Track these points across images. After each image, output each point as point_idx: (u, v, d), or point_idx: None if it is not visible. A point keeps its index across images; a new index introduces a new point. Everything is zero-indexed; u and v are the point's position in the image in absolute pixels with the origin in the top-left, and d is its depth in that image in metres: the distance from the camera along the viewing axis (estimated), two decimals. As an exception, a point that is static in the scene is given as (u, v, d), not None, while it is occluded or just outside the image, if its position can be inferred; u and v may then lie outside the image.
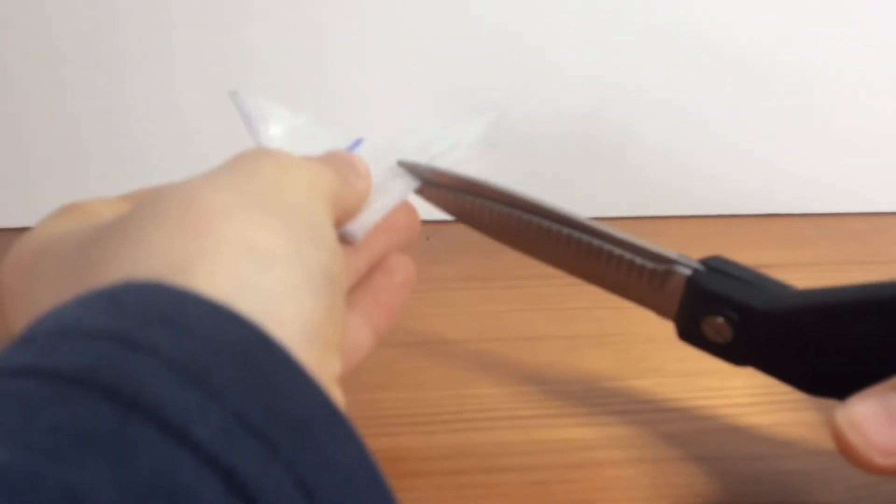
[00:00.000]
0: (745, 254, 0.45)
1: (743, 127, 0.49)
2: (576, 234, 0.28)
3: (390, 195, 0.28)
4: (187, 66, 0.45)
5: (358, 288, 0.27)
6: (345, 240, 0.26)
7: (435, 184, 0.30)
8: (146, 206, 0.18)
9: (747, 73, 0.47)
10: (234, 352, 0.14)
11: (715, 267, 0.28)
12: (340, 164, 0.25)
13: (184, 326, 0.14)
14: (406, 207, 0.29)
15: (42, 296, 0.18)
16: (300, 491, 0.13)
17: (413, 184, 0.30)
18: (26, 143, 0.46)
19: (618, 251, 0.28)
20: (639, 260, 0.28)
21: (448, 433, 0.30)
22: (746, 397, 0.32)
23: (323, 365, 0.17)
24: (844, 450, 0.23)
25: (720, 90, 0.48)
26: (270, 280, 0.16)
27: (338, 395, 0.18)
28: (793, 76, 0.48)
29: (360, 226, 0.26)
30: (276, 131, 0.28)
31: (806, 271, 0.44)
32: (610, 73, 0.47)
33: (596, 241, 0.28)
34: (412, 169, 0.30)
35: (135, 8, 0.44)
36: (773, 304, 0.26)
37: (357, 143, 0.29)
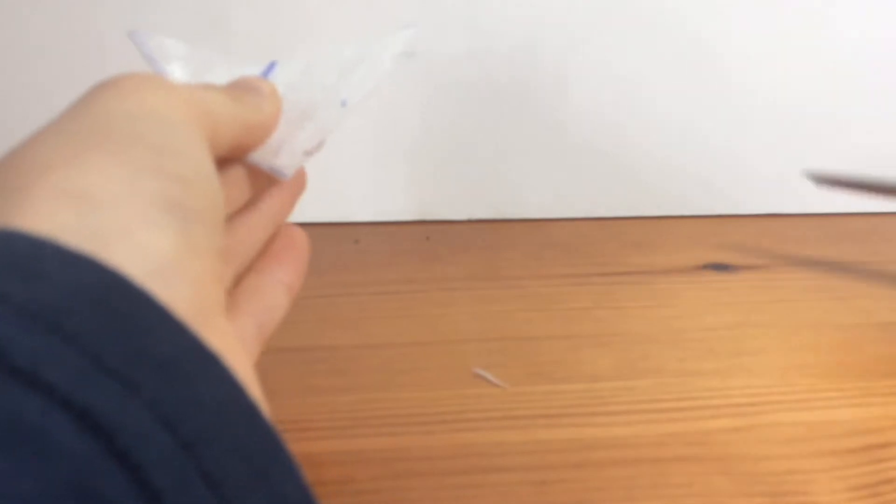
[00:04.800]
0: (746, 254, 0.45)
1: (742, 127, 0.49)
2: None
3: (316, 125, 0.26)
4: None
5: (261, 253, 0.27)
6: (265, 175, 0.25)
7: None
8: None
9: (748, 72, 0.47)
10: (90, 296, 0.13)
11: None
12: (238, 85, 0.24)
13: (37, 273, 0.13)
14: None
15: None
16: (164, 428, 0.13)
17: (341, 112, 0.28)
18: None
19: None
20: None
21: (448, 433, 0.30)
22: (746, 397, 0.32)
23: (196, 299, 0.16)
24: None
25: (720, 90, 0.48)
26: (95, 222, 0.15)
27: (223, 328, 0.17)
28: (793, 76, 0.48)
29: (288, 162, 0.25)
30: (179, 70, 0.26)
31: (806, 271, 0.44)
32: (617, 72, 0.47)
33: None
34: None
35: (126, 5, 0.44)
36: None
37: (271, 66, 0.27)
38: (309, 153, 0.26)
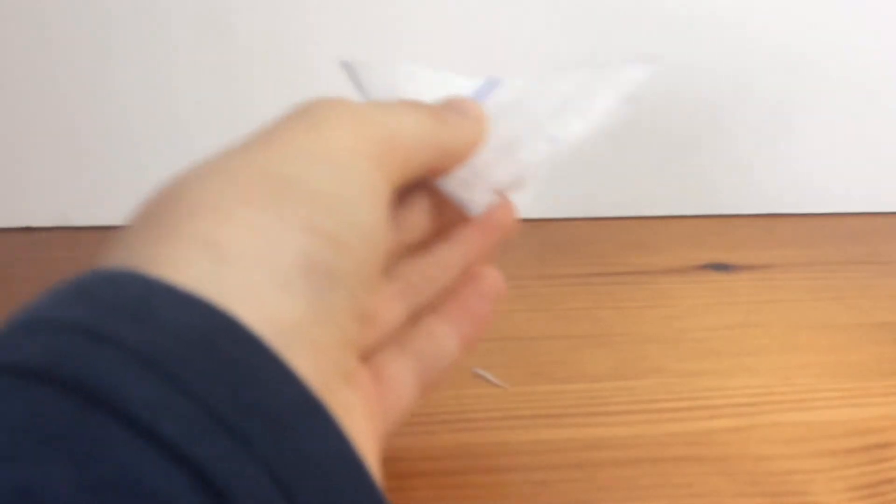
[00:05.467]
0: (746, 254, 0.45)
1: (742, 126, 0.49)
2: None
3: (516, 160, 0.23)
4: (186, 64, 0.45)
5: (444, 294, 0.25)
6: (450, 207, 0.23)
7: None
8: (150, 198, 0.17)
9: (749, 71, 0.47)
10: (203, 342, 0.13)
11: None
12: (445, 104, 0.22)
13: (151, 316, 0.13)
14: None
15: None
16: (275, 485, 0.12)
17: (547, 149, 0.23)
18: (25, 144, 0.46)
19: None
20: None
21: (448, 433, 0.30)
22: (746, 397, 0.32)
23: (315, 369, 0.15)
24: None
25: (719, 90, 0.48)
26: (225, 279, 0.15)
27: (343, 398, 0.17)
28: (794, 76, 0.48)
29: (478, 197, 0.22)
30: (389, 96, 0.24)
31: (806, 271, 0.44)
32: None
33: None
34: None
35: (131, 5, 0.44)
36: None
37: (490, 84, 0.24)
38: (503, 190, 0.24)
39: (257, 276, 0.15)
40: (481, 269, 0.25)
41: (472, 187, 0.23)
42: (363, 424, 0.17)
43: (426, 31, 0.45)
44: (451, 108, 0.23)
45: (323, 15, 0.45)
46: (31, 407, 0.12)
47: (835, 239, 0.48)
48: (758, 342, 0.36)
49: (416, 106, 0.21)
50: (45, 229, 0.48)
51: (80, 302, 0.14)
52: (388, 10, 0.45)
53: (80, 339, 0.13)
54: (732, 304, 0.40)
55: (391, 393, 0.22)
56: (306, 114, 0.19)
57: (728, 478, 0.27)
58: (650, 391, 0.32)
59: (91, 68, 0.45)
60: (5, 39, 0.44)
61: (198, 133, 0.45)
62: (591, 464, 0.28)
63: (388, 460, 0.29)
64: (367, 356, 0.23)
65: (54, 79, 0.45)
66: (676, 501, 0.26)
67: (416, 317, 0.24)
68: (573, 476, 0.27)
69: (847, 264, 0.45)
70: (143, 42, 0.45)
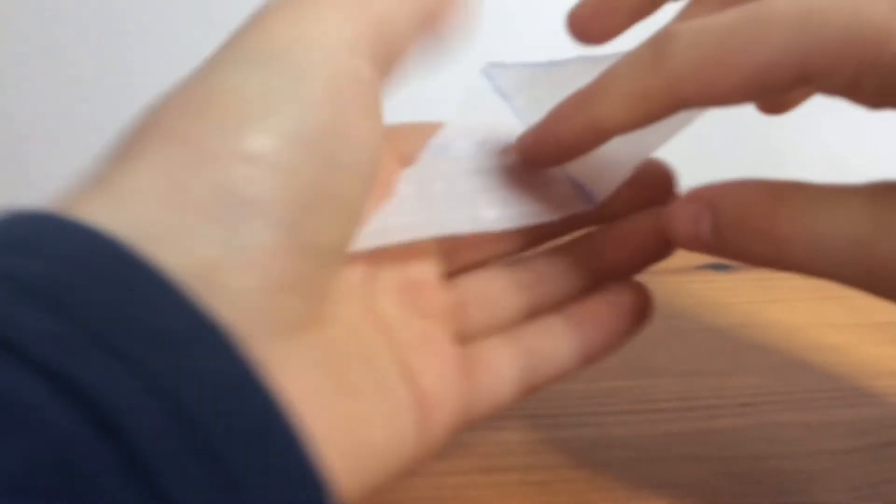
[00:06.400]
0: (745, 254, 0.45)
1: (741, 125, 0.49)
2: None
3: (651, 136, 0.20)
4: (191, 65, 0.45)
5: (574, 301, 0.23)
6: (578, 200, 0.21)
7: None
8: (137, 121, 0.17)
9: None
10: (88, 268, 0.13)
11: None
12: None
13: (35, 248, 0.13)
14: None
15: None
16: (159, 401, 0.12)
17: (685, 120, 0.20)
18: (25, 143, 0.46)
19: None
20: None
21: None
22: (746, 397, 0.32)
23: (234, 315, 0.14)
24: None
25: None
26: (132, 221, 0.14)
27: (286, 349, 0.15)
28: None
29: (598, 180, 0.20)
30: (524, 101, 0.23)
31: (806, 271, 0.44)
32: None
33: None
34: None
35: (135, 5, 0.44)
36: None
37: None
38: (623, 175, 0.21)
39: (166, 216, 0.15)
40: (624, 280, 0.23)
41: (596, 171, 0.20)
42: (313, 380, 0.16)
43: None
44: None
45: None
46: None
47: (834, 239, 0.48)
48: (758, 342, 0.36)
49: None
50: (44, 229, 0.48)
51: None
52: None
53: None
54: (732, 304, 0.40)
55: (484, 383, 0.21)
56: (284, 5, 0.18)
57: (728, 478, 0.27)
58: (650, 391, 0.32)
59: (92, 68, 0.45)
60: (6, 39, 0.44)
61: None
62: (591, 464, 0.28)
63: (388, 460, 0.29)
64: (468, 340, 0.22)
65: (55, 78, 0.45)
66: (676, 501, 0.26)
67: (536, 314, 0.23)
68: (573, 476, 0.27)
69: (847, 264, 0.45)
70: (147, 42, 0.45)
